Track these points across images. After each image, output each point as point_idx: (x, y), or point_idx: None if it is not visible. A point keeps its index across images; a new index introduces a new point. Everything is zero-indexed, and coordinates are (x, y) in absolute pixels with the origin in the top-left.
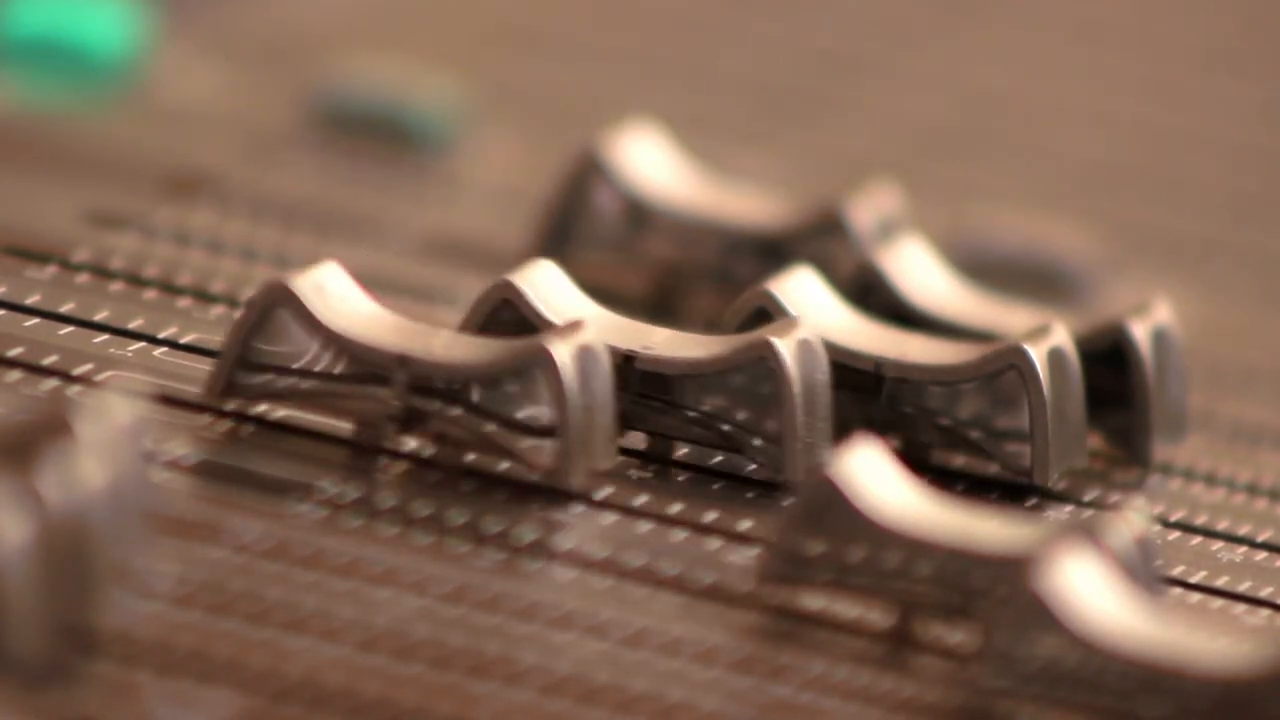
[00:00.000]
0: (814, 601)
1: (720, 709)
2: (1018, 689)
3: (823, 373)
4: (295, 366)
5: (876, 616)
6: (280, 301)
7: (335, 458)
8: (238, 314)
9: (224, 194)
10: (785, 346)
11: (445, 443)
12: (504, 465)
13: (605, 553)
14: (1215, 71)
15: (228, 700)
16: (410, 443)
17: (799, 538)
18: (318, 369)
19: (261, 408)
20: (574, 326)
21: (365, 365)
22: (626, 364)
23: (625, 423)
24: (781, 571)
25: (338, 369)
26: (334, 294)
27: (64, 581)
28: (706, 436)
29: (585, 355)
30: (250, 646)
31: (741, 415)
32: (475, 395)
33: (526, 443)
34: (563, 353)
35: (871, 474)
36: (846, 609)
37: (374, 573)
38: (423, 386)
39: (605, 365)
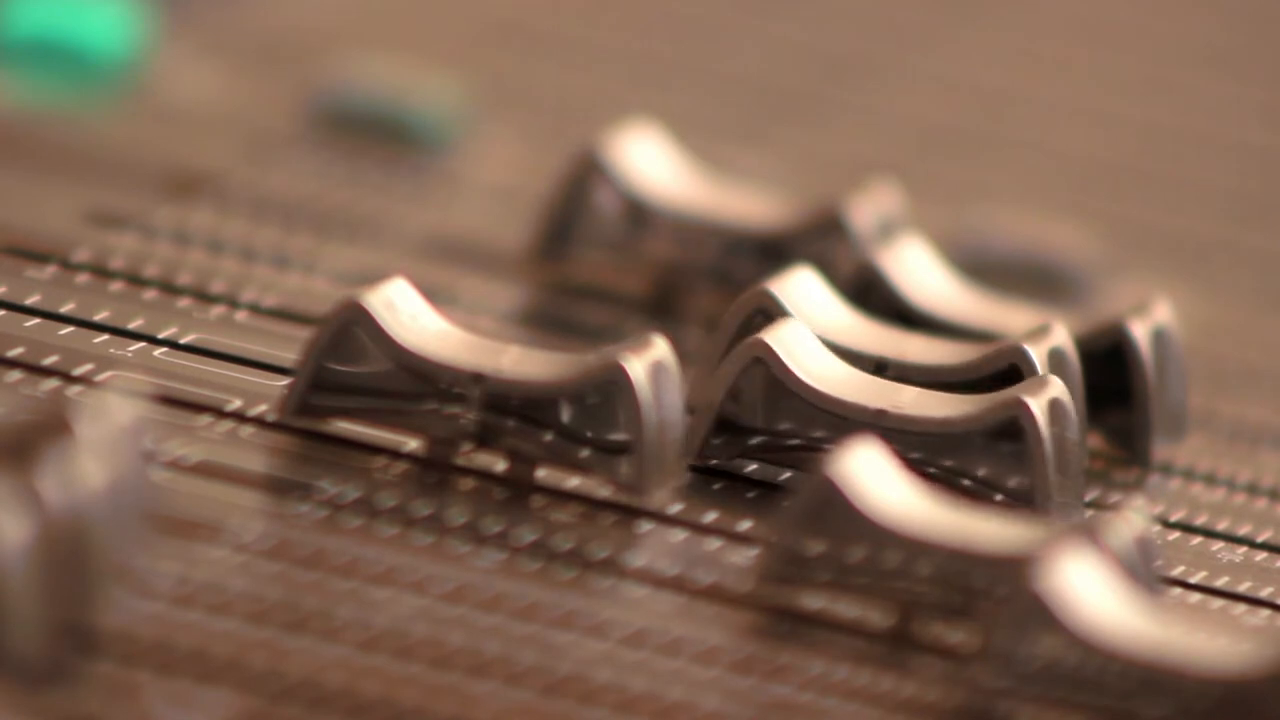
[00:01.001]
0: (814, 601)
1: (720, 709)
2: (1018, 689)
3: (1074, 431)
4: (367, 385)
5: (876, 616)
6: (354, 319)
7: (335, 458)
8: (310, 332)
9: (224, 194)
10: (1038, 406)
11: (519, 459)
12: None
13: (605, 552)
14: (1215, 71)
15: (228, 700)
16: (410, 444)
17: (799, 538)
18: (389, 386)
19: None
20: (646, 343)
21: (439, 382)
22: (877, 418)
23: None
24: (781, 571)
25: (410, 386)
26: (404, 310)
27: (64, 581)
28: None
29: (658, 371)
30: (250, 646)
31: (990, 472)
32: (552, 412)
33: (601, 458)
34: (638, 369)
35: (871, 474)
36: (846, 609)
37: (374, 573)
38: (497, 404)
39: (676, 380)
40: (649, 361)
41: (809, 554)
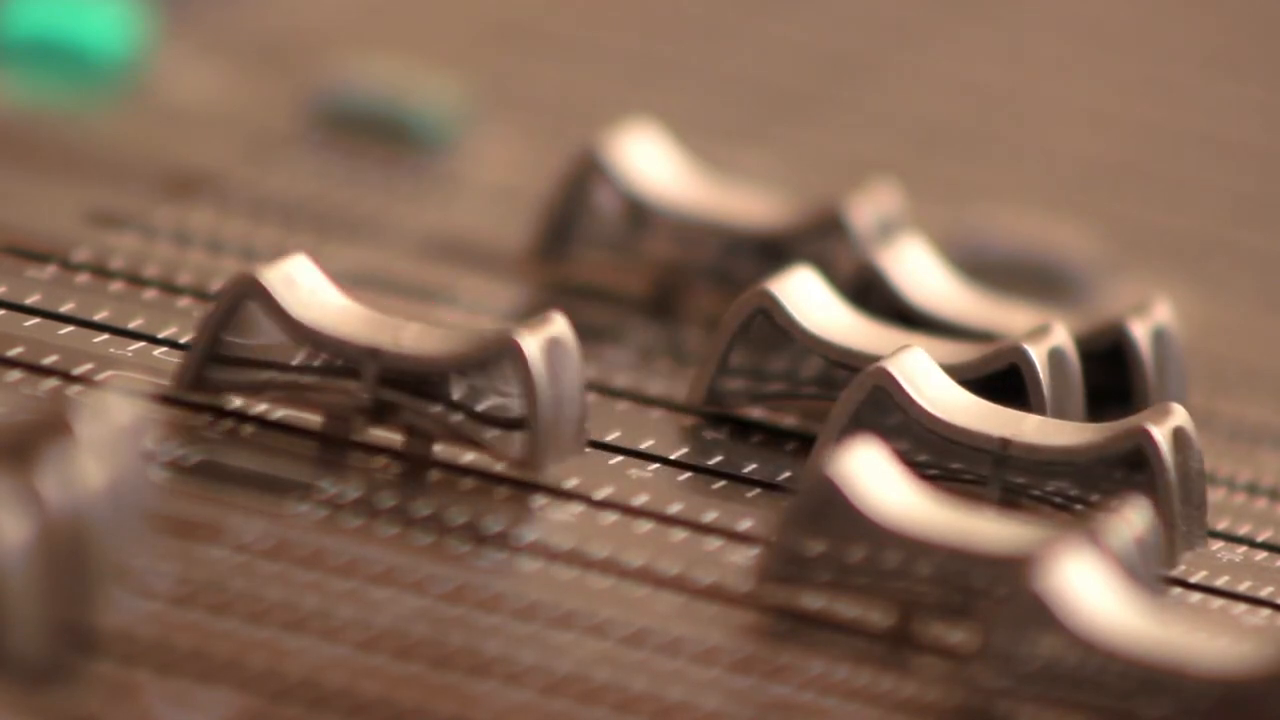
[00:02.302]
0: (814, 601)
1: (720, 709)
2: (1018, 689)
3: (1198, 460)
4: (265, 359)
5: (877, 616)
6: (249, 294)
7: (335, 457)
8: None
9: (224, 194)
10: (1162, 434)
11: (415, 435)
12: (472, 457)
13: (605, 552)
14: (1215, 71)
15: (228, 700)
16: (411, 443)
17: (799, 537)
18: (287, 362)
19: (238, 402)
20: (544, 319)
21: (335, 358)
22: (1001, 449)
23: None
24: (781, 571)
25: (307, 362)
26: (304, 286)
27: (64, 581)
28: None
29: (554, 347)
30: (250, 646)
31: (1112, 502)
32: (447, 387)
33: (496, 434)
34: (531, 345)
35: (871, 474)
36: (846, 609)
37: (374, 573)
38: (393, 379)
39: (575, 357)
40: (544, 337)
41: (809, 554)
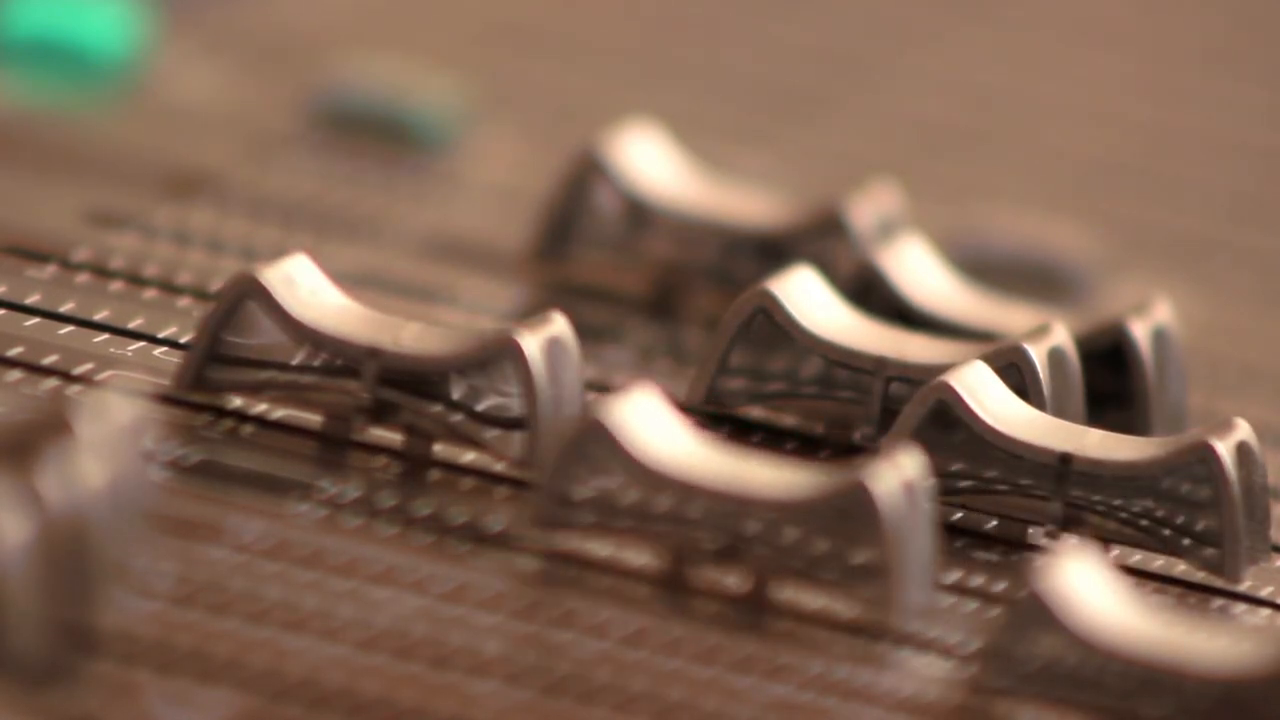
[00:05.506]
0: (583, 545)
1: (720, 709)
2: (1018, 689)
3: (1261, 475)
4: (265, 359)
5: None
6: (249, 293)
7: (335, 457)
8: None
9: (224, 194)
10: (1225, 449)
11: (415, 435)
12: (472, 457)
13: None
14: (1215, 71)
15: (228, 700)
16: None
17: (567, 480)
18: (287, 362)
19: (238, 402)
20: (544, 319)
21: (335, 357)
22: (1063, 464)
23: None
24: (550, 515)
25: (307, 362)
26: (303, 286)
27: (64, 581)
28: (1133, 536)
29: (554, 347)
30: (250, 646)
31: (1175, 516)
32: (447, 387)
33: (496, 434)
34: (531, 345)
35: (643, 416)
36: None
37: (374, 573)
38: (393, 379)
39: (575, 357)
40: (544, 337)
41: (577, 497)
